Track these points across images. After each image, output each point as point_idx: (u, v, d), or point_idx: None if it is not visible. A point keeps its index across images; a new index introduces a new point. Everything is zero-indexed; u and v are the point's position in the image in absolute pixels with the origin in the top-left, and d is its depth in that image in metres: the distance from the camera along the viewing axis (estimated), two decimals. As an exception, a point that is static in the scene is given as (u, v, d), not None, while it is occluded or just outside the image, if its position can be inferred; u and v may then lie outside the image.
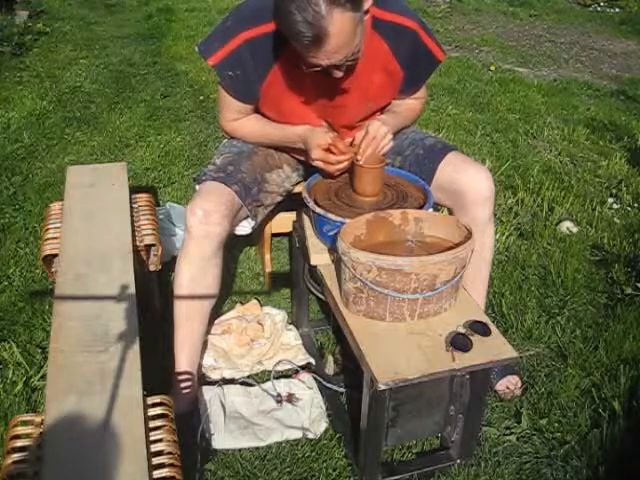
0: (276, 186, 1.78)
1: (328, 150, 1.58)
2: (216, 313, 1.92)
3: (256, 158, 1.75)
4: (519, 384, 1.78)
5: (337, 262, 1.48)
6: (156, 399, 1.27)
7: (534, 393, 1.78)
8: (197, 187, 1.68)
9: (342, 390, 1.75)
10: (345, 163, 1.58)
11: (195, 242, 1.59)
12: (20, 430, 1.21)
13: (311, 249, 1.60)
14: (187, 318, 1.67)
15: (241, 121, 1.73)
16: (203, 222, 1.56)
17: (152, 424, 1.22)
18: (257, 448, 1.59)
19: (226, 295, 2.11)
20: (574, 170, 3.16)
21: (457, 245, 1.40)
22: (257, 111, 1.73)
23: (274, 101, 1.66)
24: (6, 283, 2.16)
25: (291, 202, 1.86)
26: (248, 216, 1.72)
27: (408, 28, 1.59)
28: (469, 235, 1.40)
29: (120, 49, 4.80)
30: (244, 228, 1.75)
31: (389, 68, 1.63)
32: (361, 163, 1.55)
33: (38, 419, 1.22)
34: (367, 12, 1.42)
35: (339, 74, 1.46)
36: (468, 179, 1.65)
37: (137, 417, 1.20)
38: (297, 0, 1.28)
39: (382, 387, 1.26)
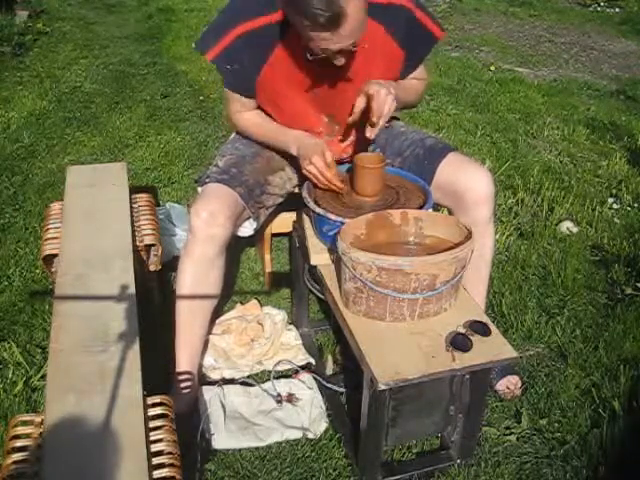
0: (278, 188, 1.78)
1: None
2: (216, 313, 1.91)
3: (259, 160, 1.75)
4: (519, 384, 1.78)
5: (337, 262, 1.48)
6: (156, 399, 1.27)
7: (534, 393, 1.78)
8: (200, 189, 1.68)
9: (342, 390, 1.75)
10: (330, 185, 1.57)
11: (199, 244, 1.59)
12: (20, 430, 1.21)
13: (311, 249, 1.60)
14: (188, 318, 1.67)
15: (246, 115, 1.73)
16: (208, 224, 1.56)
17: (152, 424, 1.22)
18: (257, 448, 1.59)
19: (226, 295, 2.11)
20: (574, 170, 3.15)
21: (457, 245, 1.39)
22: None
23: (271, 96, 1.65)
24: (6, 283, 2.17)
25: (291, 202, 1.86)
26: (250, 217, 1.72)
27: (400, 6, 1.58)
28: (469, 235, 1.40)
29: (120, 49, 4.79)
30: (246, 230, 1.75)
31: (389, 52, 1.62)
32: (380, 124, 1.52)
33: (38, 419, 1.22)
34: None
35: (342, 61, 1.45)
36: (468, 179, 1.65)
37: (137, 417, 1.20)
38: None
39: (382, 387, 1.26)
